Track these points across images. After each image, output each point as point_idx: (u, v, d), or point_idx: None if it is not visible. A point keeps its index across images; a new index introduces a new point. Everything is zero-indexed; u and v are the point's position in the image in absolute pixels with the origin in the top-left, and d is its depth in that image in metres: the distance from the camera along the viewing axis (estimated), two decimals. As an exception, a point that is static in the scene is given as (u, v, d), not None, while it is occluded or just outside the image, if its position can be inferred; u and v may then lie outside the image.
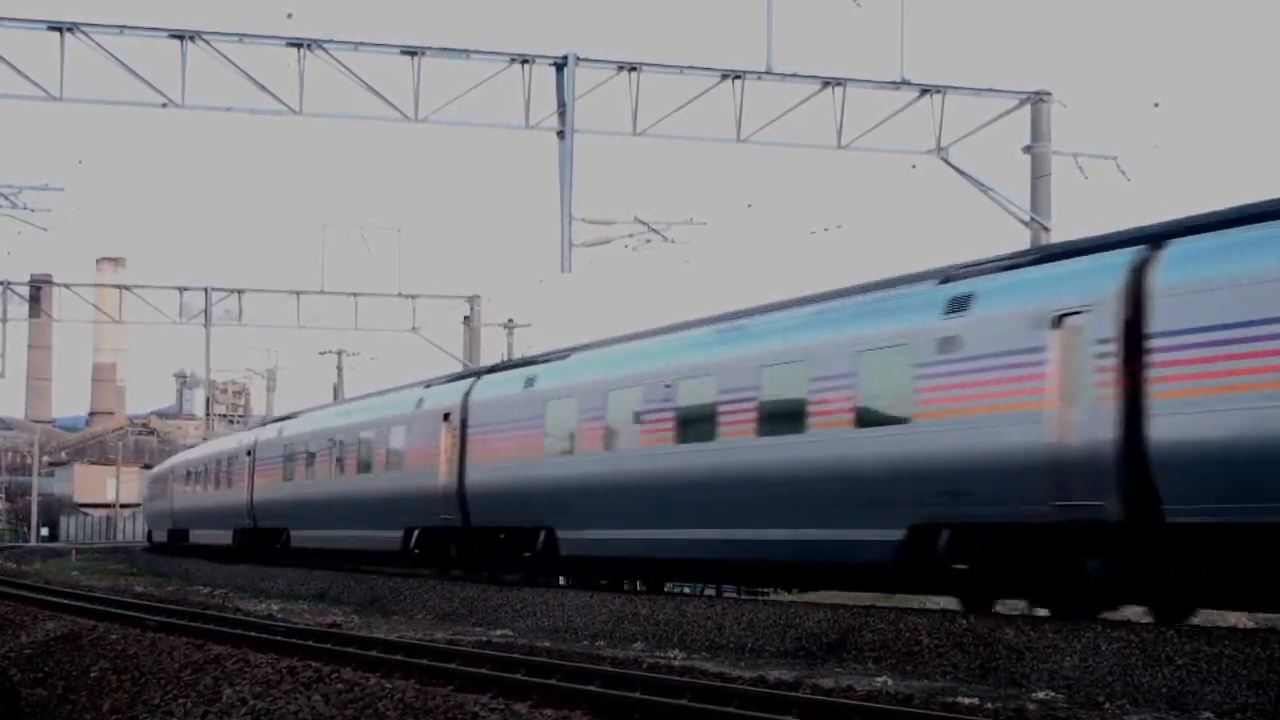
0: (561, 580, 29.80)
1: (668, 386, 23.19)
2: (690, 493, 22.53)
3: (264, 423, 48.19)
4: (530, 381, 27.65)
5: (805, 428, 20.21)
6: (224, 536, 48.93)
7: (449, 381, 32.84)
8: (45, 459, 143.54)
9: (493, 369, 31.05)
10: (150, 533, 70.81)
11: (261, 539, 44.67)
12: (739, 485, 21.42)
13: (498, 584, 28.99)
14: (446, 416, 30.45)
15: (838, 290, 21.61)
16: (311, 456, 38.90)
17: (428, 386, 33.46)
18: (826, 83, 30.64)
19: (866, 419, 19.20)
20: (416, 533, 32.07)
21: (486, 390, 29.55)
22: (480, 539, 29.86)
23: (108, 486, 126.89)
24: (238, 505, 46.30)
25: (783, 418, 20.77)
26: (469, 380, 31.07)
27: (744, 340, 22.24)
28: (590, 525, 25.19)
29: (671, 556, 24.01)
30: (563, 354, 27.98)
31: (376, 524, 33.89)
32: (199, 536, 54.41)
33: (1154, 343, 15.43)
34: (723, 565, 23.92)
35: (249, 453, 45.37)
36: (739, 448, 21.42)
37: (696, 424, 22.47)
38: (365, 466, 34.98)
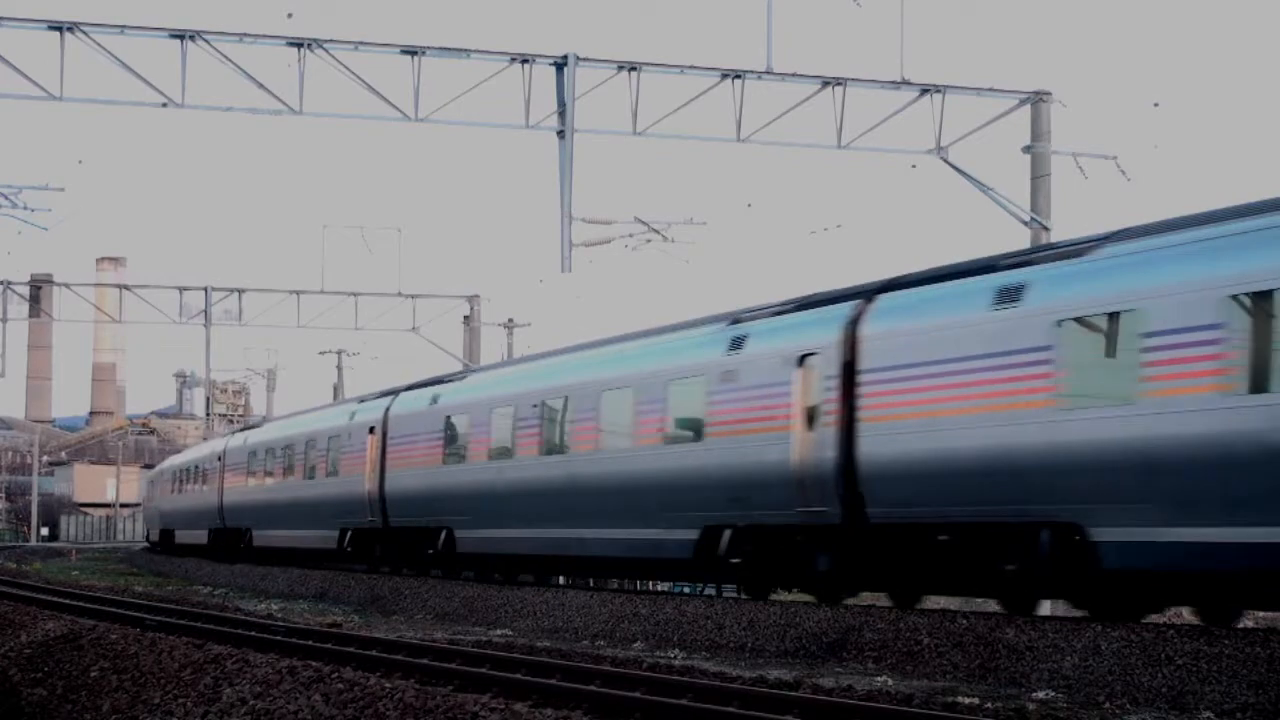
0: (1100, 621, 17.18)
1: None
2: None
3: (387, 392, 37.29)
4: (1011, 295, 17.75)
5: None
6: (321, 539, 39.13)
7: (791, 311, 22.48)
8: (45, 459, 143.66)
9: (889, 285, 20.80)
10: (169, 534, 61.61)
11: (393, 541, 35.33)
12: None
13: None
14: (803, 360, 21.08)
15: None
16: (502, 430, 29.42)
17: (735, 322, 23.47)
18: (826, 83, 30.64)
19: None
20: (728, 532, 22.54)
21: (891, 318, 19.83)
22: (883, 541, 19.99)
23: (108, 486, 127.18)
24: (349, 498, 36.52)
25: None
26: (844, 306, 20.95)
27: None
28: (1183, 520, 15.48)
29: None
30: (1075, 247, 17.83)
31: (641, 519, 24.65)
32: (270, 538, 44.51)
33: None
34: None
35: (372, 430, 35.63)
36: None
37: None
38: (618, 438, 25.59)
